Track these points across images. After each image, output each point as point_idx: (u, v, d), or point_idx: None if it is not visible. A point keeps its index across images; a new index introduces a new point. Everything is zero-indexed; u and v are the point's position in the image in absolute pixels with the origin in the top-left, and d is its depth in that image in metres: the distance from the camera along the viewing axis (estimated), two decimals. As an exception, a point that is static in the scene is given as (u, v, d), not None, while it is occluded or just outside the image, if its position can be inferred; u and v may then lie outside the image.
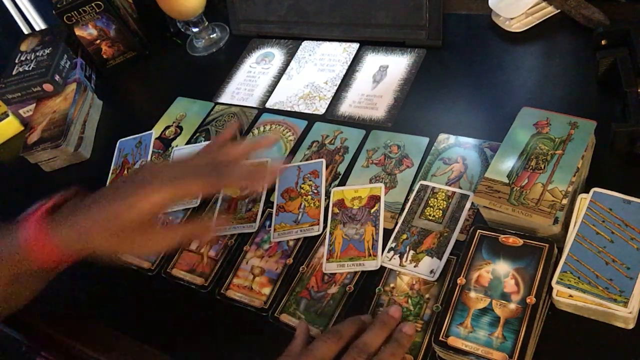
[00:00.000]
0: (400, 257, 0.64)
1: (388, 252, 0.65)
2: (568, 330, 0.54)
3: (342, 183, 0.74)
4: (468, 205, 0.65)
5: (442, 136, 0.74)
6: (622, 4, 0.78)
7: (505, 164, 0.60)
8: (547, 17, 0.80)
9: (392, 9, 0.86)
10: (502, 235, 0.58)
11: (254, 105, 0.90)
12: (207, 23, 1.02)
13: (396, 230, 0.66)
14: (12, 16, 1.81)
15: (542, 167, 0.58)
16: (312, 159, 0.78)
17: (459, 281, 0.57)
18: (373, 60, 0.88)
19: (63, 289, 0.73)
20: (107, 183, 0.86)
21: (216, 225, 0.64)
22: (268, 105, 0.89)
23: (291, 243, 0.70)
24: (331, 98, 0.85)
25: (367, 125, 0.80)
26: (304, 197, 0.74)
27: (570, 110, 0.63)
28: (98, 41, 1.05)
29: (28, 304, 0.63)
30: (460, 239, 0.63)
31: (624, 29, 0.68)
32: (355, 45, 0.91)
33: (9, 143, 1.05)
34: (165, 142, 0.90)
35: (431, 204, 0.67)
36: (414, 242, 0.64)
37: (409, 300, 0.61)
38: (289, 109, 0.87)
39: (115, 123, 1.00)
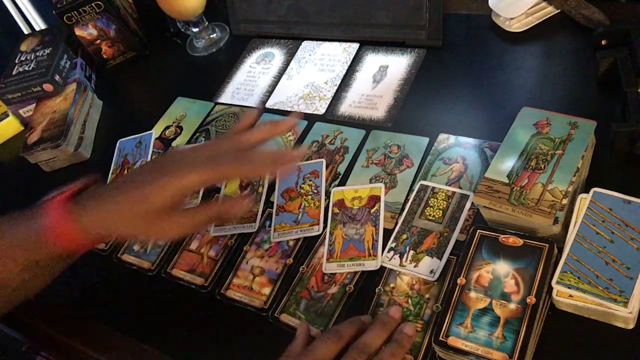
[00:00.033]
0: (400, 257, 0.64)
1: (388, 252, 0.65)
2: (568, 330, 0.54)
3: (342, 183, 0.74)
4: (468, 205, 0.65)
5: (442, 136, 0.74)
6: (622, 4, 0.78)
7: (505, 164, 0.60)
8: (547, 17, 0.80)
9: (392, 9, 0.86)
10: (502, 235, 0.58)
11: (254, 105, 0.90)
12: (207, 23, 1.02)
13: (396, 230, 0.66)
14: (12, 16, 1.81)
15: (542, 167, 0.58)
16: (312, 159, 0.78)
17: (459, 281, 0.57)
18: (373, 60, 0.88)
19: (63, 289, 0.73)
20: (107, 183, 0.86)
21: (243, 202, 0.62)
22: (268, 105, 0.89)
23: (291, 243, 0.70)
24: (331, 98, 0.85)
25: (367, 125, 0.80)
26: (304, 197, 0.74)
27: (570, 110, 0.63)
28: (98, 41, 1.05)
29: (30, 300, 0.63)
30: (460, 239, 0.63)
31: (624, 29, 0.68)
32: (355, 45, 0.91)
33: (9, 143, 1.05)
34: (165, 142, 0.90)
35: (431, 204, 0.67)
36: (414, 242, 0.64)
37: (409, 300, 0.61)
38: (289, 109, 0.87)
39: (115, 123, 1.00)
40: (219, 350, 0.65)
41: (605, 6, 0.75)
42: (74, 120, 0.95)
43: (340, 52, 0.91)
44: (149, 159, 0.88)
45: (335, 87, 0.86)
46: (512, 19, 0.81)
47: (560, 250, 0.55)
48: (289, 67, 0.93)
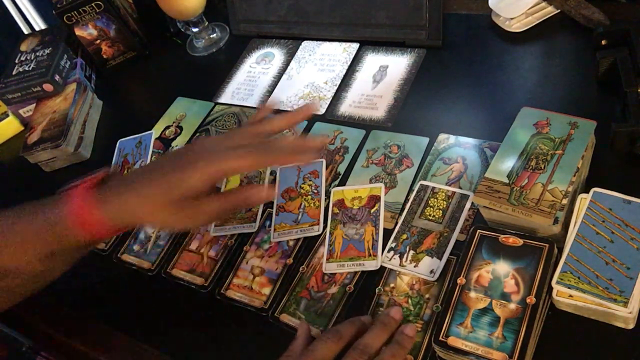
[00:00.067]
0: (400, 257, 0.64)
1: (388, 252, 0.65)
2: (568, 330, 0.54)
3: (342, 183, 0.74)
4: (468, 205, 0.65)
5: (442, 136, 0.74)
6: (622, 4, 0.78)
7: (505, 164, 0.60)
8: (547, 17, 0.80)
9: (392, 9, 0.86)
10: (502, 235, 0.58)
11: (254, 106, 0.90)
12: (207, 23, 1.02)
13: (396, 230, 0.66)
14: (12, 16, 1.81)
15: (542, 167, 0.58)
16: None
17: (459, 281, 0.57)
18: (373, 60, 0.88)
19: (63, 289, 0.73)
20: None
21: (266, 189, 0.61)
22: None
23: (291, 243, 0.70)
24: (331, 98, 0.85)
25: (367, 125, 0.80)
26: (304, 197, 0.74)
27: (570, 110, 0.63)
28: (98, 41, 1.05)
29: (27, 301, 0.64)
30: (460, 239, 0.63)
31: (624, 29, 0.68)
32: (355, 45, 0.91)
33: (9, 143, 1.05)
34: (165, 142, 0.90)
35: (431, 204, 0.67)
36: (414, 242, 0.64)
37: (409, 300, 0.61)
38: (289, 109, 0.87)
39: (115, 123, 1.00)
40: (219, 350, 0.65)
41: (605, 6, 0.75)
42: (74, 120, 0.95)
43: (340, 52, 0.91)
44: (149, 159, 0.88)
45: (335, 87, 0.86)
46: (512, 19, 0.81)
47: (560, 250, 0.55)
48: (289, 67, 0.93)
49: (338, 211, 0.71)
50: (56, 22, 1.06)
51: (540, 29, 0.80)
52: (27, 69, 1.01)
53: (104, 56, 1.07)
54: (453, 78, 0.81)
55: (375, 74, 0.86)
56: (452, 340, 0.53)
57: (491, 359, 0.51)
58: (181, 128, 0.92)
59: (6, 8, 1.80)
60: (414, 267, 0.62)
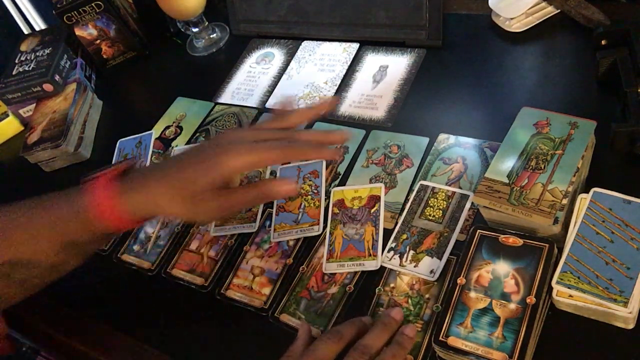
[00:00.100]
0: (400, 257, 0.64)
1: (388, 252, 0.65)
2: (568, 330, 0.54)
3: (342, 183, 0.74)
4: (468, 205, 0.65)
5: (442, 136, 0.74)
6: (622, 4, 0.78)
7: (505, 164, 0.60)
8: (547, 17, 0.80)
9: (392, 9, 0.86)
10: (502, 235, 0.58)
11: (254, 105, 0.90)
12: (207, 23, 1.02)
13: (396, 230, 0.66)
14: (12, 16, 1.81)
15: (542, 167, 0.58)
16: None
17: (459, 281, 0.57)
18: (373, 60, 0.88)
19: (63, 289, 0.73)
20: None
21: (286, 183, 0.60)
22: (268, 105, 0.89)
23: (291, 243, 0.70)
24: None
25: (367, 125, 0.80)
26: (304, 197, 0.74)
27: (570, 110, 0.63)
28: (98, 41, 1.05)
29: (27, 301, 0.64)
30: (460, 239, 0.63)
31: (624, 29, 0.68)
32: (355, 45, 0.91)
33: (9, 143, 1.05)
34: (165, 142, 0.91)
35: (431, 204, 0.67)
36: (414, 242, 0.64)
37: (409, 300, 0.61)
38: (289, 109, 0.86)
39: (115, 123, 1.00)
40: (219, 350, 0.65)
41: (605, 6, 0.75)
42: (74, 120, 0.95)
43: (340, 52, 0.91)
44: (149, 159, 0.88)
45: (335, 87, 0.86)
46: (512, 19, 0.81)
47: (560, 250, 0.55)
48: (289, 67, 0.93)
49: (338, 211, 0.71)
50: (56, 22, 1.06)
51: (540, 29, 0.80)
52: (27, 69, 1.01)
53: (104, 56, 1.07)
54: (453, 78, 0.81)
55: (375, 74, 0.86)
56: (452, 340, 0.53)
57: (491, 359, 0.51)
58: (181, 128, 0.92)
59: (6, 8, 1.80)
60: (414, 267, 0.62)
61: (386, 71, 0.85)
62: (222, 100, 0.93)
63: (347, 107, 0.83)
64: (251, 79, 0.94)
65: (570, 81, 0.74)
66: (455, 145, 0.72)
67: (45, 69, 0.99)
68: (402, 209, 0.68)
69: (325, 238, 0.69)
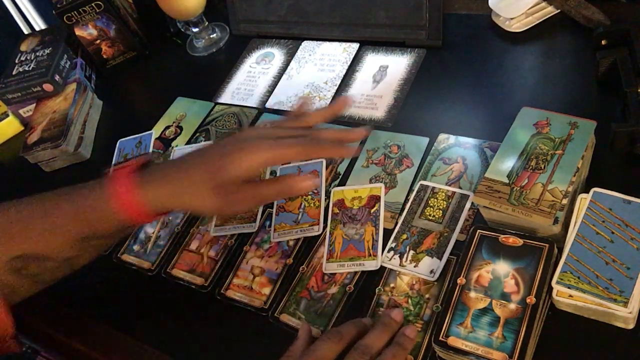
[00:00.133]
0: (400, 257, 0.64)
1: (388, 252, 0.65)
2: (568, 330, 0.54)
3: (342, 183, 0.74)
4: (468, 205, 0.65)
5: (442, 136, 0.74)
6: (622, 4, 0.78)
7: (505, 164, 0.60)
8: (547, 17, 0.80)
9: (392, 9, 0.86)
10: (502, 235, 0.58)
11: (254, 105, 0.90)
12: (207, 23, 1.02)
13: (396, 230, 0.66)
14: (12, 16, 1.81)
15: (542, 167, 0.58)
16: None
17: (459, 281, 0.57)
18: (373, 60, 0.88)
19: (63, 289, 0.73)
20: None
21: (308, 178, 0.61)
22: (268, 105, 0.89)
23: (291, 243, 0.70)
24: (331, 98, 0.85)
25: (367, 125, 0.79)
26: (304, 197, 0.74)
27: (570, 110, 0.63)
28: (98, 41, 1.05)
29: (27, 301, 0.64)
30: (460, 239, 0.63)
31: (624, 29, 0.68)
32: (355, 45, 0.91)
33: (9, 143, 1.05)
34: (165, 142, 0.90)
35: (431, 204, 0.67)
36: (414, 242, 0.64)
37: (409, 300, 0.61)
38: (289, 109, 0.87)
39: (115, 123, 1.00)
40: (219, 350, 0.65)
41: (605, 6, 0.75)
42: (74, 120, 0.95)
43: (340, 52, 0.91)
44: (149, 159, 0.88)
45: (335, 87, 0.86)
46: (512, 19, 0.81)
47: (560, 250, 0.55)
48: (289, 67, 0.93)
49: (338, 211, 0.71)
50: (56, 22, 1.06)
51: (540, 29, 0.80)
52: (27, 69, 1.01)
53: (104, 56, 1.07)
54: (453, 78, 0.81)
55: (375, 74, 0.86)
56: (452, 340, 0.53)
57: (491, 359, 0.51)
58: (181, 128, 0.92)
59: (6, 8, 1.80)
60: (414, 267, 0.62)
61: (386, 71, 0.85)
62: (222, 100, 0.93)
63: (347, 107, 0.83)
64: (251, 79, 0.94)
65: (570, 81, 0.74)
66: (455, 145, 0.72)
67: (45, 69, 0.99)
68: (402, 209, 0.68)
69: (325, 238, 0.69)
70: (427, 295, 0.60)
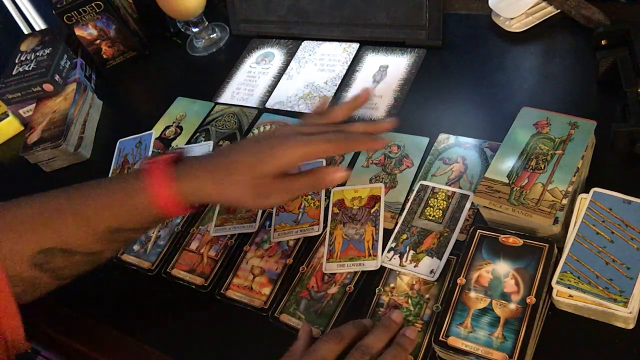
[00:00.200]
0: (400, 257, 0.64)
1: (388, 252, 0.65)
2: (568, 330, 0.54)
3: (342, 183, 0.74)
4: (468, 205, 0.65)
5: (442, 136, 0.74)
6: (622, 4, 0.78)
7: (505, 164, 0.60)
8: (547, 17, 0.80)
9: (392, 9, 0.86)
10: (502, 235, 0.58)
11: (254, 105, 0.90)
12: (207, 23, 1.02)
13: (396, 230, 0.66)
14: (12, 16, 1.81)
15: (542, 167, 0.58)
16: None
17: (459, 281, 0.57)
18: (373, 60, 0.88)
19: (63, 289, 0.73)
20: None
21: (339, 171, 0.61)
22: (268, 105, 0.89)
23: (291, 243, 0.70)
24: (331, 98, 0.85)
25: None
26: (304, 197, 0.74)
27: (570, 110, 0.63)
28: (98, 41, 1.05)
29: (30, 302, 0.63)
30: (460, 239, 0.63)
31: (624, 29, 0.68)
32: (355, 45, 0.91)
33: (9, 143, 1.05)
34: (165, 142, 0.90)
35: (431, 204, 0.67)
36: (414, 242, 0.64)
37: (409, 301, 0.61)
38: (289, 109, 0.87)
39: (115, 123, 1.00)
40: (219, 350, 0.65)
41: (605, 6, 0.75)
42: (74, 120, 0.95)
43: (340, 52, 0.91)
44: (149, 159, 0.88)
45: (335, 87, 0.86)
46: (512, 19, 0.81)
47: (560, 250, 0.55)
48: (289, 67, 0.93)
49: (338, 211, 0.71)
50: (56, 22, 1.06)
51: (540, 29, 0.80)
52: (27, 69, 1.01)
53: (104, 56, 1.07)
54: (453, 78, 0.81)
55: (375, 74, 0.86)
56: (452, 340, 0.53)
57: (491, 359, 0.51)
58: (181, 128, 0.92)
59: (6, 8, 1.80)
60: (414, 267, 0.62)
61: (386, 71, 0.85)
62: (222, 100, 0.93)
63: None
64: (251, 79, 0.94)
65: (570, 81, 0.74)
66: (455, 145, 0.72)
67: (45, 69, 0.99)
68: (402, 209, 0.68)
69: (325, 238, 0.69)
70: (427, 296, 0.60)
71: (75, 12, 1.00)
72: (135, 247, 0.77)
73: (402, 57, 0.86)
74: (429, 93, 0.80)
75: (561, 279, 0.53)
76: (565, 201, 0.56)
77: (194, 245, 0.75)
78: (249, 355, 0.63)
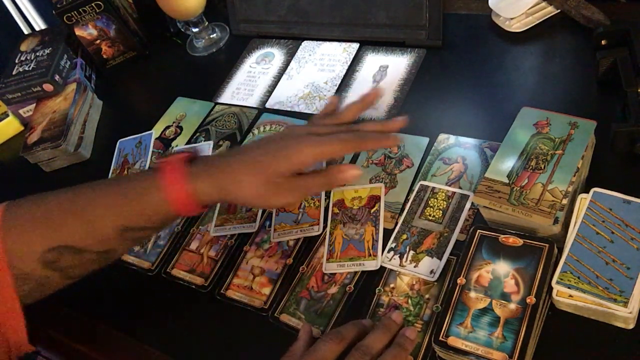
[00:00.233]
0: (400, 258, 0.64)
1: (388, 252, 0.65)
2: (568, 330, 0.54)
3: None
4: (468, 205, 0.65)
5: (442, 136, 0.74)
6: (622, 4, 0.78)
7: (505, 164, 0.60)
8: (547, 17, 0.80)
9: (392, 9, 0.86)
10: (502, 235, 0.58)
11: (254, 106, 0.90)
12: (207, 23, 1.02)
13: (396, 230, 0.66)
14: (12, 16, 1.81)
15: (542, 167, 0.58)
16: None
17: (459, 281, 0.57)
18: (373, 60, 0.88)
19: (63, 289, 0.73)
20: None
21: (353, 168, 0.62)
22: (268, 105, 0.89)
23: (291, 243, 0.70)
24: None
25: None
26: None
27: (570, 110, 0.63)
28: (98, 41, 1.05)
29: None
30: (460, 239, 0.63)
31: (624, 29, 0.68)
32: (355, 45, 0.91)
33: (9, 143, 1.05)
34: (165, 142, 0.90)
35: (431, 204, 0.67)
36: (414, 242, 0.64)
37: (409, 301, 0.61)
38: (289, 109, 0.87)
39: (115, 123, 1.00)
40: (219, 350, 0.65)
41: (605, 6, 0.75)
42: (74, 120, 0.95)
43: (340, 52, 0.91)
44: (149, 159, 0.88)
45: (335, 87, 0.86)
46: (512, 19, 0.81)
47: (560, 250, 0.55)
48: (289, 67, 0.93)
49: (338, 211, 0.71)
50: (56, 22, 1.06)
51: (540, 29, 0.80)
52: (27, 69, 1.01)
53: (104, 56, 1.07)
54: (453, 78, 0.81)
55: (375, 74, 0.86)
56: (452, 340, 0.53)
57: (491, 359, 0.51)
58: (181, 128, 0.92)
59: (6, 8, 1.80)
60: (414, 267, 0.62)
61: (386, 71, 0.85)
62: (222, 100, 0.93)
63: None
64: (251, 79, 0.94)
65: (570, 81, 0.74)
66: (455, 145, 0.72)
67: (45, 69, 0.99)
68: (402, 209, 0.68)
69: (325, 238, 0.69)
70: (427, 296, 0.60)
71: (75, 12, 1.00)
72: (135, 247, 0.77)
73: (402, 57, 0.86)
74: (429, 93, 0.80)
75: (561, 279, 0.53)
76: (565, 201, 0.56)
77: (194, 245, 0.75)
78: (249, 355, 0.63)
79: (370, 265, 0.64)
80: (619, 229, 0.54)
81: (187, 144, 0.88)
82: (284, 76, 0.92)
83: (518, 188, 0.58)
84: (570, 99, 0.72)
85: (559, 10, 0.79)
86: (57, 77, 0.99)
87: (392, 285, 0.62)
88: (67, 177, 0.93)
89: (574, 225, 0.56)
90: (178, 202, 0.58)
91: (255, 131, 0.86)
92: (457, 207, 0.66)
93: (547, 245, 0.56)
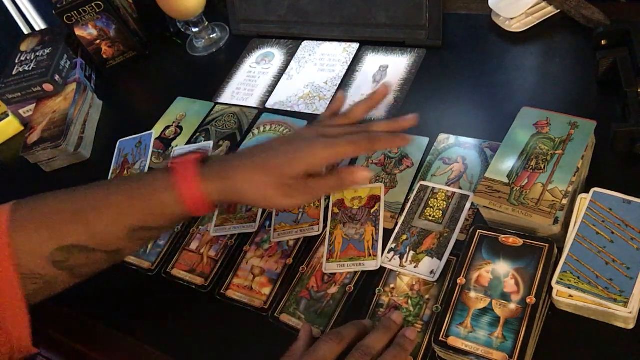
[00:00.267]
0: (400, 258, 0.64)
1: (388, 252, 0.65)
2: (568, 330, 0.54)
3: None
4: (468, 205, 0.65)
5: (442, 136, 0.74)
6: (622, 4, 0.78)
7: (505, 164, 0.60)
8: (547, 17, 0.80)
9: (392, 9, 0.86)
10: (502, 235, 0.58)
11: (254, 106, 0.90)
12: (207, 23, 1.02)
13: (396, 230, 0.66)
14: (12, 16, 1.81)
15: (542, 167, 0.58)
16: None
17: (459, 281, 0.57)
18: (373, 60, 0.88)
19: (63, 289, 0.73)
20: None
21: (363, 170, 0.62)
22: (268, 105, 0.89)
23: (291, 243, 0.70)
24: (331, 98, 0.85)
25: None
26: (304, 197, 0.74)
27: (570, 110, 0.63)
28: (98, 41, 1.05)
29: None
30: (460, 239, 0.63)
31: (624, 29, 0.68)
32: (355, 45, 0.91)
33: (9, 143, 1.05)
34: (165, 142, 0.90)
35: (431, 205, 0.67)
36: (414, 242, 0.64)
37: (409, 301, 0.61)
38: (289, 109, 0.87)
39: (115, 123, 1.00)
40: (219, 350, 0.65)
41: (605, 6, 0.75)
42: (74, 120, 0.95)
43: (340, 52, 0.91)
44: (148, 159, 0.88)
45: (335, 87, 0.86)
46: (512, 19, 0.81)
47: (560, 250, 0.55)
48: (289, 67, 0.93)
49: (338, 211, 0.71)
50: (56, 22, 1.06)
51: (540, 29, 0.80)
52: (27, 69, 1.01)
53: (104, 56, 1.07)
54: (453, 78, 0.81)
55: (375, 74, 0.86)
56: (452, 340, 0.53)
57: (491, 359, 0.51)
58: (181, 128, 0.92)
59: (6, 8, 1.80)
60: (414, 267, 0.62)
61: (386, 71, 0.85)
62: (222, 100, 0.93)
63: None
64: (251, 79, 0.94)
65: (570, 81, 0.74)
66: (455, 145, 0.72)
67: (45, 69, 0.99)
68: (402, 209, 0.68)
69: (325, 238, 0.69)
70: (427, 296, 0.60)
71: (75, 12, 1.00)
72: (135, 247, 0.77)
73: (402, 57, 0.86)
74: (429, 93, 0.80)
75: (561, 279, 0.53)
76: (565, 201, 0.56)
77: (194, 245, 0.75)
78: (249, 355, 0.63)
79: (370, 265, 0.64)
80: (619, 229, 0.54)
81: (187, 144, 0.88)
82: (284, 76, 0.92)
83: (518, 188, 0.58)
84: (570, 99, 0.72)
85: (559, 10, 0.79)
86: (57, 77, 0.99)
87: (392, 286, 0.62)
88: (67, 177, 0.93)
89: (574, 225, 0.56)
90: (191, 201, 0.58)
91: (255, 131, 0.86)
92: (457, 207, 0.66)
93: (547, 245, 0.56)
